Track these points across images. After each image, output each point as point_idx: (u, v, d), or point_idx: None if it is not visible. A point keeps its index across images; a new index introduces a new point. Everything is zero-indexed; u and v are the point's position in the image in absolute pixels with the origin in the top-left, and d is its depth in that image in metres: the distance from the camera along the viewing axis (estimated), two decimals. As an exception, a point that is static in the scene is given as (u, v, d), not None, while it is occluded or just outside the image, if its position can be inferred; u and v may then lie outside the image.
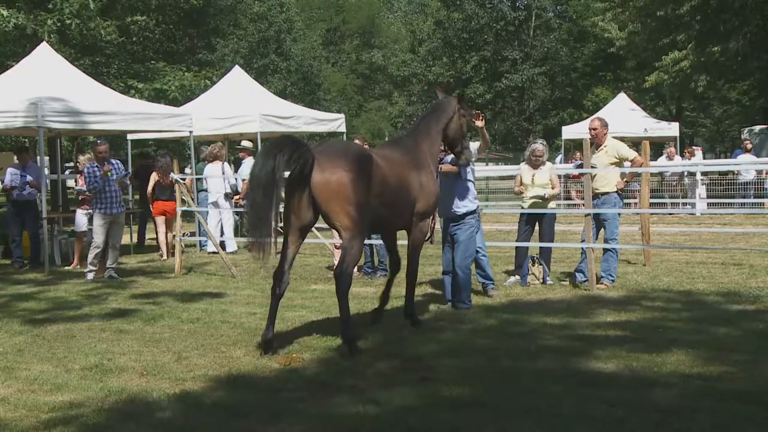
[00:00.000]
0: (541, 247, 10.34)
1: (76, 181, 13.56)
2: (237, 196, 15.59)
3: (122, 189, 12.47)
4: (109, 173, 11.45)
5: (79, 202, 13.37)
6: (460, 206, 8.55)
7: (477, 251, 9.33)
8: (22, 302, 9.58)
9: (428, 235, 8.24)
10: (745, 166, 20.49)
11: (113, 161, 11.85)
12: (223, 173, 14.83)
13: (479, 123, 8.84)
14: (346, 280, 6.57)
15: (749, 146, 22.51)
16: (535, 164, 10.29)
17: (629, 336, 7.01)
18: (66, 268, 13.01)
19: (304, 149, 6.39)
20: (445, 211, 8.63)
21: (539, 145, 10.49)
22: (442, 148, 8.27)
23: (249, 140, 16.80)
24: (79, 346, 7.15)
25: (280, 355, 6.56)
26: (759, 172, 20.94)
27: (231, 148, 21.80)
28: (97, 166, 11.45)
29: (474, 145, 9.40)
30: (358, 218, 6.48)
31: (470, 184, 8.66)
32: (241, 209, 15.39)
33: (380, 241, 10.91)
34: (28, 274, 12.38)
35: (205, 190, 15.26)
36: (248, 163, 15.92)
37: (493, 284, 9.45)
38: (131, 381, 5.95)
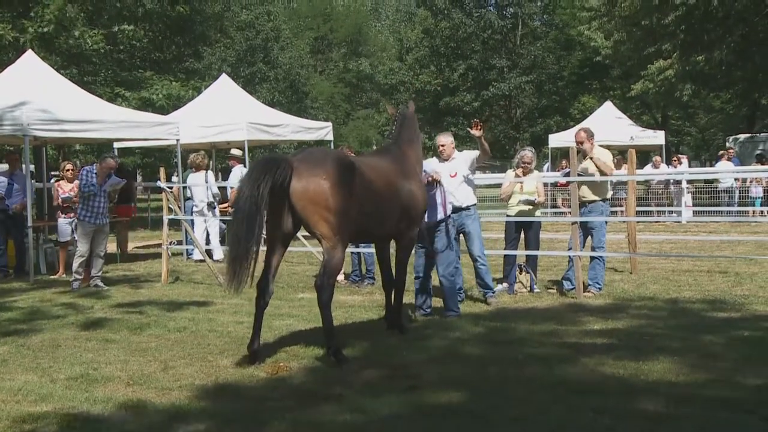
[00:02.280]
0: (527, 255, 10.37)
1: (56, 190, 13.40)
2: (225, 204, 15.53)
3: (110, 199, 12.44)
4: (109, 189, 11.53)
5: (62, 209, 13.22)
6: (434, 214, 8.45)
7: (476, 260, 9.34)
8: (6, 312, 9.49)
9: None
10: (728, 174, 20.63)
11: (114, 177, 11.86)
12: (206, 182, 14.75)
13: (476, 132, 8.87)
14: (328, 291, 6.53)
15: (721, 152, 22.95)
16: (524, 171, 10.34)
17: (616, 344, 7.03)
18: (51, 277, 12.92)
19: (284, 164, 6.33)
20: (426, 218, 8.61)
21: (528, 152, 10.54)
22: None
23: (238, 148, 16.76)
24: (65, 355, 7.10)
25: (266, 364, 6.54)
26: (743, 180, 21.10)
27: (219, 156, 21.77)
28: (96, 174, 11.40)
29: (472, 154, 9.38)
30: (337, 227, 6.41)
31: (445, 192, 8.62)
32: (228, 217, 15.39)
33: (368, 249, 10.94)
34: (13, 283, 12.29)
35: (191, 199, 15.23)
36: (237, 171, 15.91)
37: (492, 292, 9.44)
38: (117, 391, 5.91)
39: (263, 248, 6.69)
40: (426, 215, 8.33)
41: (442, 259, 8.46)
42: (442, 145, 9.36)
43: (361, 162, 7.05)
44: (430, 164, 9.27)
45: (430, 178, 8.43)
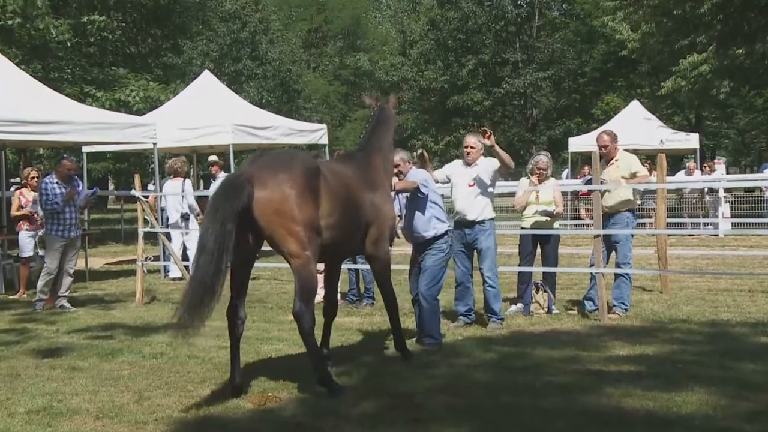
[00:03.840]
0: (545, 272, 10.37)
1: (17, 199, 13.37)
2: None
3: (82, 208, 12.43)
4: (75, 197, 11.42)
5: (30, 220, 13.19)
6: (426, 230, 8.39)
7: (485, 280, 9.34)
8: (-40, 336, 9.49)
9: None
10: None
11: (76, 179, 11.81)
12: (183, 190, 14.73)
13: (488, 141, 8.90)
14: (309, 318, 6.46)
15: None
16: (539, 178, 10.35)
17: (645, 372, 7.03)
18: (11, 297, 12.91)
19: (244, 183, 6.26)
20: (410, 237, 8.60)
21: (543, 157, 10.55)
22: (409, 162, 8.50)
23: (214, 154, 16.75)
24: (25, 386, 7.08)
25: (253, 394, 6.54)
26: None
27: (201, 162, 21.81)
28: (58, 183, 11.37)
29: (494, 164, 9.32)
30: (306, 241, 6.36)
31: (434, 204, 8.51)
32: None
33: (366, 266, 10.93)
34: (-31, 304, 12.29)
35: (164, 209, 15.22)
36: (222, 179, 15.91)
37: (497, 319, 9.37)
38: (85, 425, 5.91)
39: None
40: (410, 233, 8.42)
41: (428, 276, 8.37)
42: (471, 147, 9.32)
43: (326, 168, 6.99)
44: (454, 167, 9.40)
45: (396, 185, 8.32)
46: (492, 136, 8.95)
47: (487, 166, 9.30)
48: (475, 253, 9.48)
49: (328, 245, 6.76)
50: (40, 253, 12.48)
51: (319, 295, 11.05)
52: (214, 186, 15.59)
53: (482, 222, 9.27)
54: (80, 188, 11.89)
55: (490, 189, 9.37)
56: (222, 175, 16.13)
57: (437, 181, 9.57)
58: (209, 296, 6.11)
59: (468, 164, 9.38)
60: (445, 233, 8.52)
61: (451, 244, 8.68)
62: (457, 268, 9.41)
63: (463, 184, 9.29)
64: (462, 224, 9.35)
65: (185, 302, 6.10)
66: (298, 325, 6.52)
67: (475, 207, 9.24)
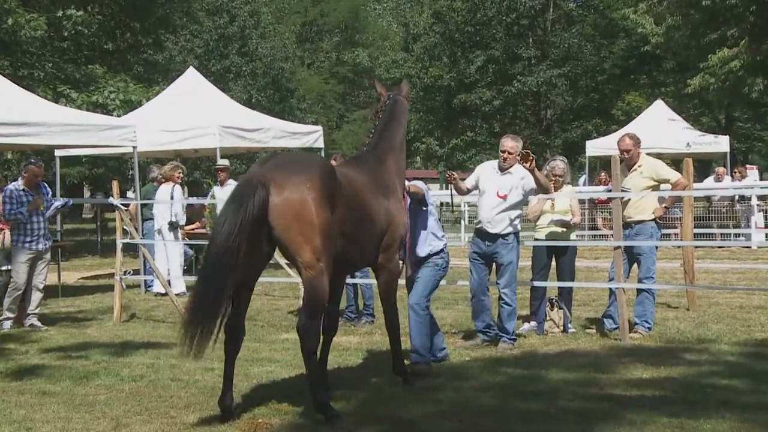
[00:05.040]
0: (560, 287, 10.38)
1: None
2: (192, 226, 15.51)
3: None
4: (41, 207, 11.39)
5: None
6: (421, 247, 8.32)
7: (500, 297, 9.33)
8: None
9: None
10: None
11: (45, 186, 11.79)
12: (172, 197, 14.71)
13: (527, 165, 8.96)
14: (313, 335, 6.46)
15: None
16: (555, 185, 10.37)
17: (670, 396, 7.03)
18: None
19: (258, 187, 6.23)
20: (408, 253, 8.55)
21: (559, 162, 10.58)
22: None
23: (223, 157, 16.62)
24: (-8, 412, 7.08)
25: (242, 421, 6.53)
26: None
27: (186, 166, 21.78)
28: (24, 191, 11.37)
29: (528, 179, 9.30)
30: (323, 249, 6.34)
31: (431, 217, 8.47)
32: (194, 242, 15.37)
33: (365, 281, 10.95)
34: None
35: (150, 219, 15.20)
36: (231, 187, 15.89)
37: (508, 338, 9.35)
38: (57, 454, 5.91)
39: None
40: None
41: (420, 286, 8.30)
42: (509, 153, 9.31)
43: (338, 172, 6.98)
44: (484, 170, 9.45)
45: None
46: (534, 161, 8.99)
47: (525, 183, 9.27)
48: (494, 265, 9.49)
49: (338, 255, 6.73)
50: (5, 267, 12.45)
51: None
52: (219, 193, 15.63)
53: (506, 236, 9.28)
54: (48, 196, 11.88)
55: (521, 205, 9.42)
56: (231, 182, 16.09)
57: (468, 190, 9.61)
58: (211, 319, 6.17)
59: (502, 170, 9.37)
60: (441, 250, 8.43)
61: (447, 261, 8.60)
62: (472, 278, 9.42)
63: (491, 192, 9.29)
64: (483, 234, 9.36)
65: (186, 326, 6.16)
66: (300, 342, 6.49)
67: (501, 221, 9.24)
